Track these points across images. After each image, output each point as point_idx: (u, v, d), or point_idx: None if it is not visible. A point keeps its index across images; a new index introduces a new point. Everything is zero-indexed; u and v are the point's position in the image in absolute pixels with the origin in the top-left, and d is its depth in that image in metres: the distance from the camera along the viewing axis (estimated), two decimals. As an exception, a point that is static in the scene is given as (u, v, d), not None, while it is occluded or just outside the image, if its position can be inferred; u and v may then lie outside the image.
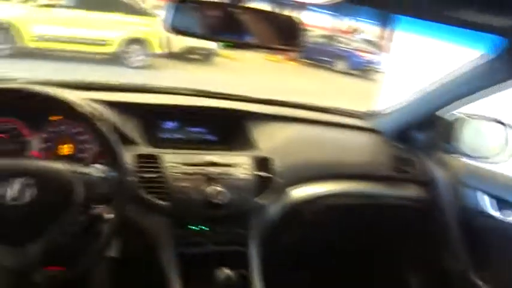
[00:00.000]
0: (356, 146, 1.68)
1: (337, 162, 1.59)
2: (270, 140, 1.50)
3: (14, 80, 1.40)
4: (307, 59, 13.43)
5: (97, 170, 1.03)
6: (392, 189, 1.63)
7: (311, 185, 1.50)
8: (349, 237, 1.75)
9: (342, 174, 1.57)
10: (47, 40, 7.79)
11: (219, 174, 1.30)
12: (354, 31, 18.33)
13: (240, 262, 1.28)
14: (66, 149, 1.31)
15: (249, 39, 1.04)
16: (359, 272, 1.92)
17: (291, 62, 13.41)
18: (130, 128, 1.34)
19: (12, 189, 0.91)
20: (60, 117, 1.29)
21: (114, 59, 8.47)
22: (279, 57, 12.86)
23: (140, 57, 8.73)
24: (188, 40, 10.08)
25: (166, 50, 9.56)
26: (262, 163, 1.39)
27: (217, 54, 11.16)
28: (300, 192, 1.47)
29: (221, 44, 1.09)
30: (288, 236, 1.59)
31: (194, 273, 1.21)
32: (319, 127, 1.66)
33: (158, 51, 8.98)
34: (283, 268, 1.64)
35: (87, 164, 1.05)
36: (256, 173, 1.36)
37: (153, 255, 1.24)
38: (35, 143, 1.27)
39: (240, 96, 1.69)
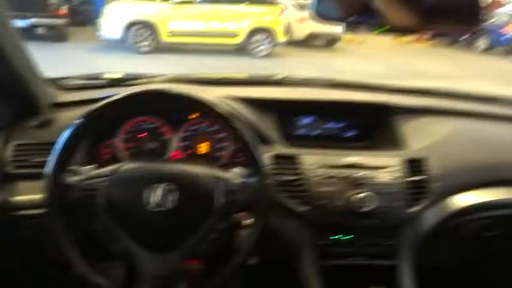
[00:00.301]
0: None
1: (506, 165, 1.30)
2: (422, 137, 1.29)
3: (154, 77, 1.43)
4: (442, 38, 12.20)
5: (236, 175, 0.96)
6: None
7: (474, 192, 1.25)
8: None
9: None
10: (181, 35, 8.34)
11: (365, 178, 1.14)
12: (497, 4, 16.11)
13: (388, 278, 1.12)
14: (203, 147, 1.29)
15: (409, 20, 0.86)
16: None
17: (423, 43, 12.31)
18: (266, 125, 1.25)
19: (156, 195, 0.88)
20: (198, 115, 1.26)
21: (241, 50, 8.73)
22: (409, 37, 11.92)
23: (265, 46, 8.85)
24: (311, 26, 10.00)
25: (289, 38, 9.56)
26: (415, 165, 1.20)
27: (341, 39, 10.80)
28: (461, 200, 1.24)
29: (376, 30, 0.92)
30: (444, 251, 1.37)
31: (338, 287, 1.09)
32: (482, 121, 1.39)
33: (282, 39, 9.01)
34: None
35: (226, 168, 0.99)
36: (408, 177, 1.17)
37: (292, 265, 1.15)
38: (175, 142, 1.27)
39: (382, 85, 1.49)
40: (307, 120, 1.37)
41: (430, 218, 1.20)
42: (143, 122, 1.26)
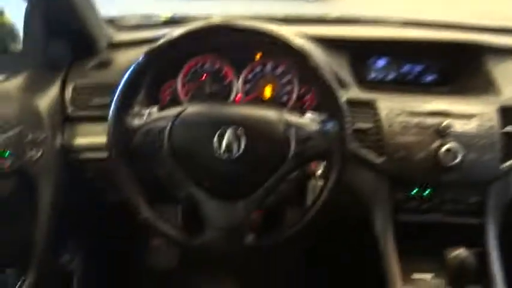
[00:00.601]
0: None
1: None
2: None
3: (211, 17, 1.32)
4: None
5: (311, 120, 0.86)
6: None
7: None
8: None
9: None
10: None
11: (451, 127, 1.00)
12: None
13: (472, 237, 1.01)
14: (269, 91, 1.19)
15: None
16: None
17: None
18: (339, 67, 1.13)
19: (223, 140, 0.81)
20: (262, 55, 1.16)
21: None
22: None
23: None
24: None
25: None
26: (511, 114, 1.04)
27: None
28: None
29: None
30: None
31: (414, 245, 0.99)
32: None
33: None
34: None
35: (302, 113, 0.89)
36: (502, 128, 1.02)
37: (365, 221, 1.06)
38: (238, 84, 1.18)
39: (467, 24, 1.30)
40: (381, 62, 1.23)
41: None
42: (204, 63, 1.18)
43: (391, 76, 1.24)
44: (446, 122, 1.00)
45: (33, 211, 1.02)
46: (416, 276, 0.99)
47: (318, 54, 1.09)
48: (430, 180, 1.01)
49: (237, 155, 0.81)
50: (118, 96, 0.82)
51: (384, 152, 1.01)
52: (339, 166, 0.83)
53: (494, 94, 1.10)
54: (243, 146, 0.81)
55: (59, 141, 1.05)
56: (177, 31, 0.82)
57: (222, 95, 1.18)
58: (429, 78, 1.23)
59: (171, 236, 0.84)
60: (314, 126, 0.84)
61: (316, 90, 0.85)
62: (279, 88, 1.18)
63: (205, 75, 1.18)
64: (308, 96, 1.16)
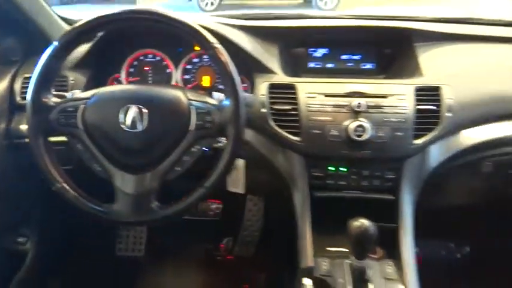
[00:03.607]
0: None
1: None
2: (441, 66, 1.16)
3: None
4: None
5: (212, 99, 0.94)
6: None
7: (493, 125, 1.11)
8: None
9: None
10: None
11: (364, 106, 1.05)
12: None
13: (386, 213, 1.04)
14: (207, 80, 1.27)
15: None
16: None
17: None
18: (268, 55, 1.19)
19: (128, 116, 0.89)
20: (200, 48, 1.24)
21: (306, 4, 8.37)
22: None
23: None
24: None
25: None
26: (427, 94, 1.08)
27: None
28: (477, 134, 1.10)
29: None
30: (453, 190, 1.24)
31: (329, 221, 1.03)
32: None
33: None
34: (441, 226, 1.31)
35: (208, 94, 0.97)
36: (418, 105, 1.06)
37: (285, 195, 1.11)
38: (178, 75, 1.27)
39: (402, 16, 1.35)
40: (321, 51, 1.29)
41: (439, 152, 1.09)
42: (147, 55, 1.27)
43: (330, 65, 1.29)
44: (358, 101, 1.05)
45: None
46: (329, 249, 1.03)
47: (243, 43, 1.17)
48: (343, 156, 1.06)
49: (141, 129, 0.89)
50: (36, 76, 0.91)
51: (300, 131, 1.07)
52: (233, 139, 0.89)
53: (418, 76, 1.14)
54: (146, 122, 0.89)
55: (3, 126, 1.16)
56: (86, 19, 0.91)
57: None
58: (367, 66, 1.28)
59: (83, 204, 0.92)
60: (213, 103, 0.92)
61: (220, 76, 0.91)
62: (217, 77, 1.26)
63: (148, 67, 1.28)
64: None
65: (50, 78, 0.93)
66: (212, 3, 8.12)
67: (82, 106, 0.92)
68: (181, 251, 1.74)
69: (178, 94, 0.93)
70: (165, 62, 1.27)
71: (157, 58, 1.27)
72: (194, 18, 0.95)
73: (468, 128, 1.11)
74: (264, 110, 1.10)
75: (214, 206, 1.69)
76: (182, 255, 1.74)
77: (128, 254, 1.73)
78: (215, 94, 0.96)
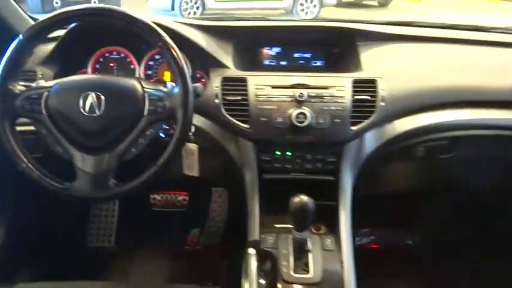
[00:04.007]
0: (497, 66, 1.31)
1: (462, 87, 1.27)
2: (380, 61, 1.29)
3: None
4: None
5: (164, 87, 1.04)
6: None
7: (425, 114, 1.24)
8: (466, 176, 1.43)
9: (466, 102, 1.25)
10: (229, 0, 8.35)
11: (306, 96, 1.17)
12: None
13: (327, 192, 1.16)
14: (168, 75, 1.37)
15: None
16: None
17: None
18: (222, 51, 1.30)
19: (87, 102, 0.99)
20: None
21: (288, 13, 8.58)
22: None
23: (313, 8, 8.61)
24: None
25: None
26: (364, 85, 1.20)
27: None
28: (411, 122, 1.23)
29: None
30: (393, 174, 1.36)
31: (276, 201, 1.14)
32: (443, 44, 1.37)
33: (331, 0, 8.70)
34: (375, 204, 1.43)
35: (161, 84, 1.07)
36: (355, 96, 1.18)
37: (238, 178, 1.22)
38: (141, 70, 1.37)
39: (351, 19, 1.49)
40: (275, 50, 1.41)
41: (375, 138, 1.21)
42: (112, 52, 1.37)
43: (283, 62, 1.41)
44: (301, 91, 1.17)
45: None
46: (275, 225, 1.14)
47: (198, 40, 1.28)
48: (288, 141, 1.17)
49: (99, 114, 0.99)
50: (3, 66, 1.00)
51: (249, 120, 1.18)
52: (182, 122, 0.99)
53: (358, 71, 1.27)
54: (103, 107, 0.99)
55: None
56: (49, 14, 1.01)
57: None
58: (317, 63, 1.40)
59: (46, 182, 1.01)
60: (164, 91, 1.02)
61: (169, 66, 1.02)
62: None
63: (113, 64, 1.37)
64: None
65: (16, 69, 1.02)
66: (195, 13, 8.27)
67: (45, 93, 1.01)
68: (150, 242, 1.83)
69: (134, 83, 1.03)
70: (129, 59, 1.37)
71: (122, 55, 1.37)
72: (152, 17, 1.06)
73: (402, 117, 1.23)
74: (217, 101, 1.21)
75: (181, 197, 1.79)
76: (151, 246, 1.82)
77: (98, 244, 1.81)
78: (168, 83, 1.06)
